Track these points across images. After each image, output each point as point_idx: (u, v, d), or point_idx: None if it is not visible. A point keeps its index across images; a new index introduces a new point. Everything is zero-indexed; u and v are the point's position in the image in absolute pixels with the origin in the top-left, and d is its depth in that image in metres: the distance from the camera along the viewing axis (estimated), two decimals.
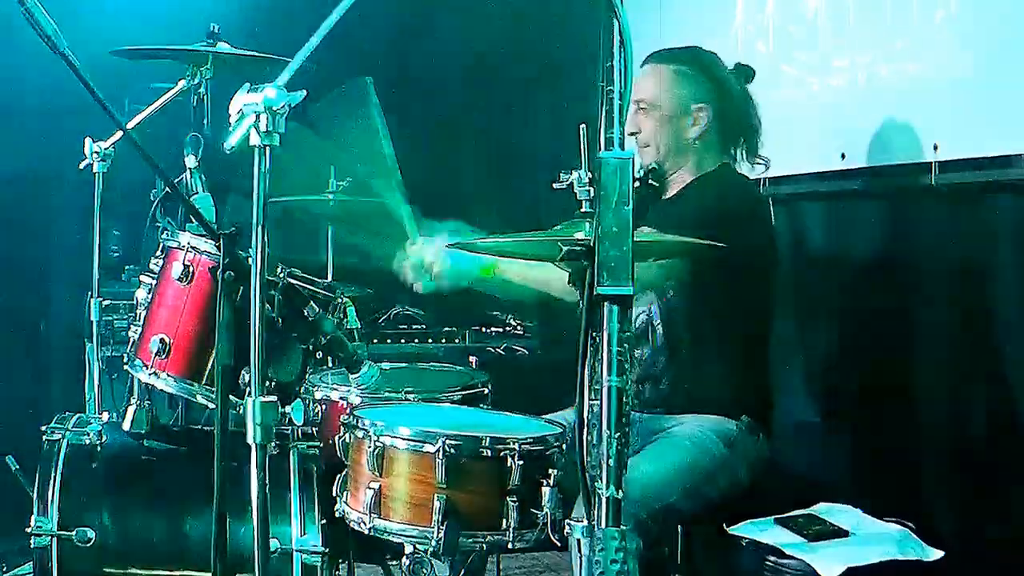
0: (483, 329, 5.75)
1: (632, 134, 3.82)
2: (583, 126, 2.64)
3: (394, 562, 3.99)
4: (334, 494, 3.15)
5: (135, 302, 3.29)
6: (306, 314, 2.91)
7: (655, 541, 3.48)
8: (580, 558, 2.32)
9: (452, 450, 2.89)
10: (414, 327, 5.60)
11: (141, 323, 3.22)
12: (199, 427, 3.74)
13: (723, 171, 3.89)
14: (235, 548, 2.57)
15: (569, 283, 2.41)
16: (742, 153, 3.96)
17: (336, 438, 3.15)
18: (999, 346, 3.69)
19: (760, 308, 3.79)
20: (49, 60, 2.55)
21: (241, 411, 2.44)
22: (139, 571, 3.19)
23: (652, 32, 5.00)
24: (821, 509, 3.47)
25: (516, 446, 2.92)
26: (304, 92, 2.38)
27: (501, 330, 5.70)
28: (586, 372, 2.25)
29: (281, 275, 2.93)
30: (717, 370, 3.70)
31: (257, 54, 3.90)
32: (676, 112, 3.82)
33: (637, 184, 2.60)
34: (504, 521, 2.91)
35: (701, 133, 3.83)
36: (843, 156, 4.23)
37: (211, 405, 3.12)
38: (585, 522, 2.27)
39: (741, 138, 3.94)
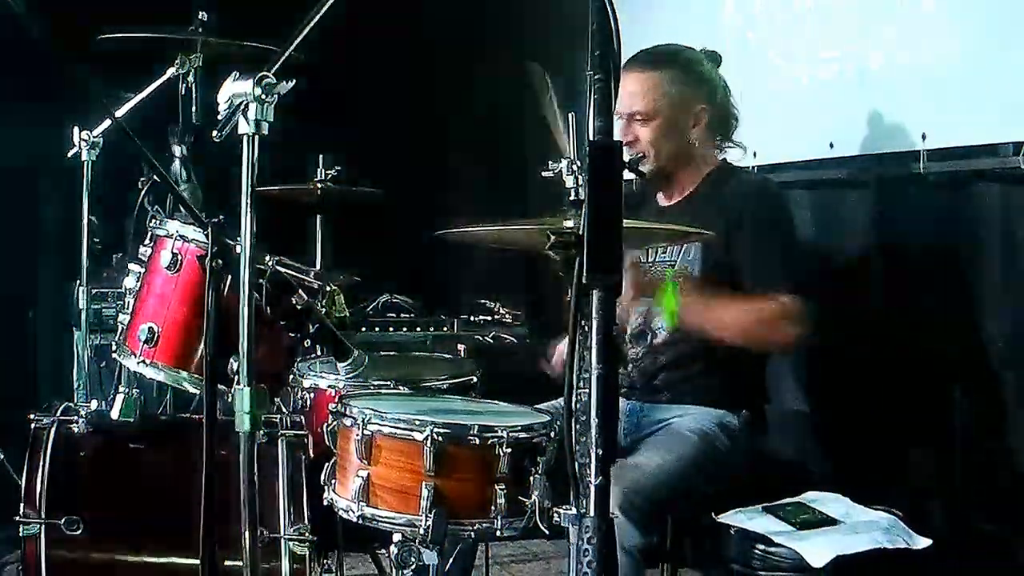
0: (472, 317, 5.75)
1: (628, 143, 3.77)
2: (571, 114, 2.64)
3: (382, 550, 3.99)
4: (322, 482, 3.15)
5: (124, 290, 3.29)
6: (295, 302, 2.91)
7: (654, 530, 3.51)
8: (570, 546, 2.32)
9: (440, 438, 2.88)
10: (403, 315, 5.58)
11: (129, 311, 3.21)
12: (187, 415, 3.74)
13: (738, 171, 3.95)
14: (224, 536, 2.57)
15: (558, 272, 2.41)
16: (726, 143, 3.97)
17: (324, 426, 3.14)
18: (986, 333, 3.70)
19: None
20: (40, 48, 2.54)
21: (229, 399, 2.44)
22: (127, 559, 3.19)
23: (641, 19, 4.99)
24: (810, 497, 3.47)
25: (504, 434, 2.91)
26: (293, 81, 2.38)
27: (490, 318, 5.69)
28: (575, 361, 2.25)
29: (270, 263, 2.92)
30: (718, 364, 3.71)
31: (246, 43, 3.89)
32: (678, 117, 3.81)
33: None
34: (492, 509, 2.91)
35: (701, 132, 3.85)
36: (832, 145, 4.24)
37: (199, 393, 3.12)
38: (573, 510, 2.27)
39: (725, 127, 3.96)
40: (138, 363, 3.12)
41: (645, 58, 3.83)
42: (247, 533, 2.46)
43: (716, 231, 3.46)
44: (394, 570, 2.99)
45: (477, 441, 2.92)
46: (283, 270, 2.98)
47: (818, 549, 3.13)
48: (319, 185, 4.76)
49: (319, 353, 3.81)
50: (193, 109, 3.79)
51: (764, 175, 4.06)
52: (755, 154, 4.45)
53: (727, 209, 3.70)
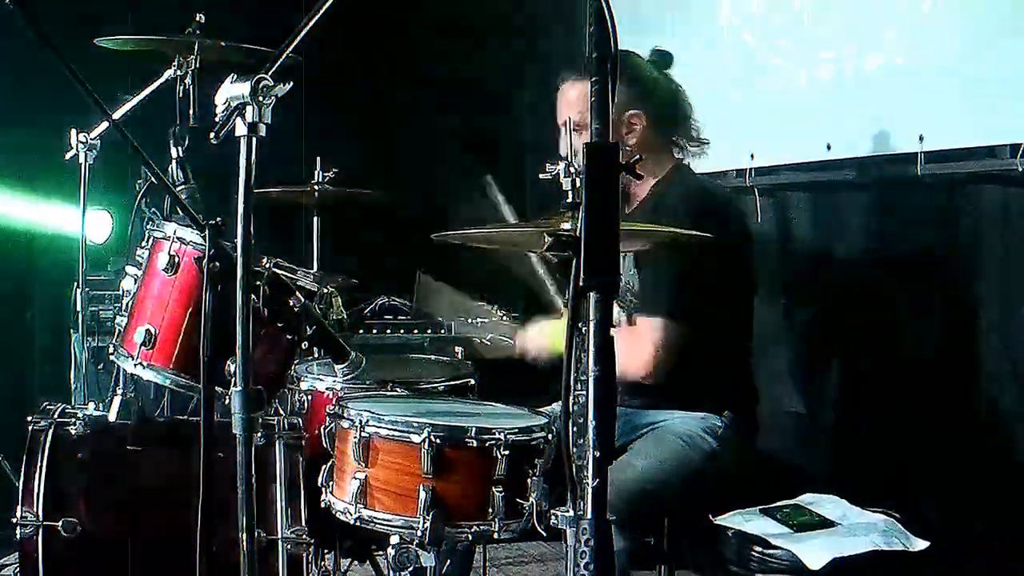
0: (469, 320, 5.74)
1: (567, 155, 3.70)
2: (568, 117, 2.64)
3: (380, 553, 3.99)
4: (319, 484, 3.15)
5: (121, 292, 3.29)
6: (292, 305, 2.91)
7: (640, 533, 3.49)
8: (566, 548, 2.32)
9: (438, 440, 2.88)
10: (399, 317, 5.58)
11: (127, 313, 3.21)
12: (185, 418, 3.73)
13: (682, 174, 3.80)
14: (220, 538, 2.56)
15: (554, 274, 2.41)
16: (684, 142, 3.86)
17: (322, 428, 3.14)
18: (984, 335, 3.70)
19: (739, 304, 3.77)
20: (37, 51, 2.54)
21: (227, 402, 2.44)
22: (124, 562, 3.18)
23: (638, 21, 4.99)
24: (807, 499, 3.48)
25: (502, 436, 2.91)
26: (291, 83, 2.38)
27: (487, 321, 5.69)
28: (572, 363, 2.25)
29: (267, 266, 2.92)
30: (699, 366, 3.68)
31: (243, 45, 3.89)
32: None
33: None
34: (490, 511, 2.92)
35: (639, 139, 3.72)
36: (829, 147, 4.24)
37: (197, 395, 3.12)
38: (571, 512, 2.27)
39: (678, 128, 3.85)
40: (135, 365, 3.13)
41: (580, 67, 3.76)
42: (244, 535, 2.45)
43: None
44: (392, 572, 2.99)
45: (475, 443, 2.92)
46: (280, 272, 2.98)
47: (815, 551, 3.13)
48: (316, 187, 4.76)
49: (316, 355, 3.82)
50: (191, 111, 3.78)
51: (704, 177, 3.93)
52: (752, 155, 4.45)
53: (664, 216, 3.61)
